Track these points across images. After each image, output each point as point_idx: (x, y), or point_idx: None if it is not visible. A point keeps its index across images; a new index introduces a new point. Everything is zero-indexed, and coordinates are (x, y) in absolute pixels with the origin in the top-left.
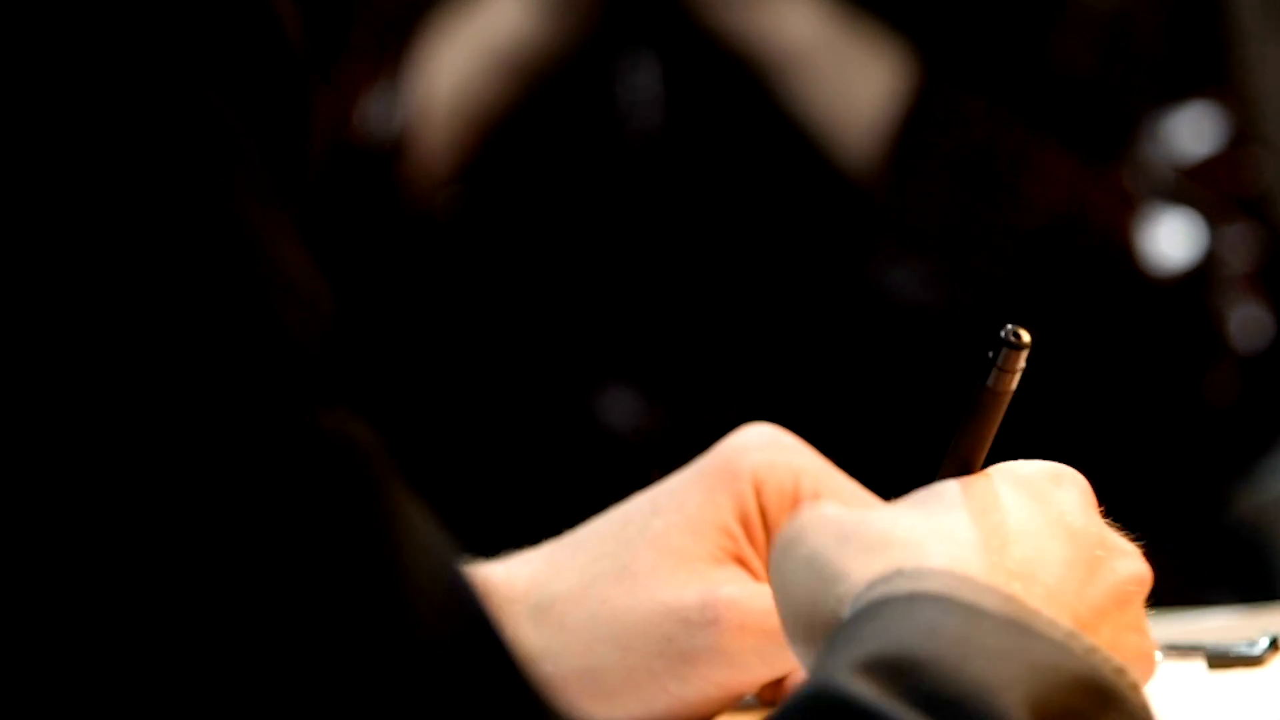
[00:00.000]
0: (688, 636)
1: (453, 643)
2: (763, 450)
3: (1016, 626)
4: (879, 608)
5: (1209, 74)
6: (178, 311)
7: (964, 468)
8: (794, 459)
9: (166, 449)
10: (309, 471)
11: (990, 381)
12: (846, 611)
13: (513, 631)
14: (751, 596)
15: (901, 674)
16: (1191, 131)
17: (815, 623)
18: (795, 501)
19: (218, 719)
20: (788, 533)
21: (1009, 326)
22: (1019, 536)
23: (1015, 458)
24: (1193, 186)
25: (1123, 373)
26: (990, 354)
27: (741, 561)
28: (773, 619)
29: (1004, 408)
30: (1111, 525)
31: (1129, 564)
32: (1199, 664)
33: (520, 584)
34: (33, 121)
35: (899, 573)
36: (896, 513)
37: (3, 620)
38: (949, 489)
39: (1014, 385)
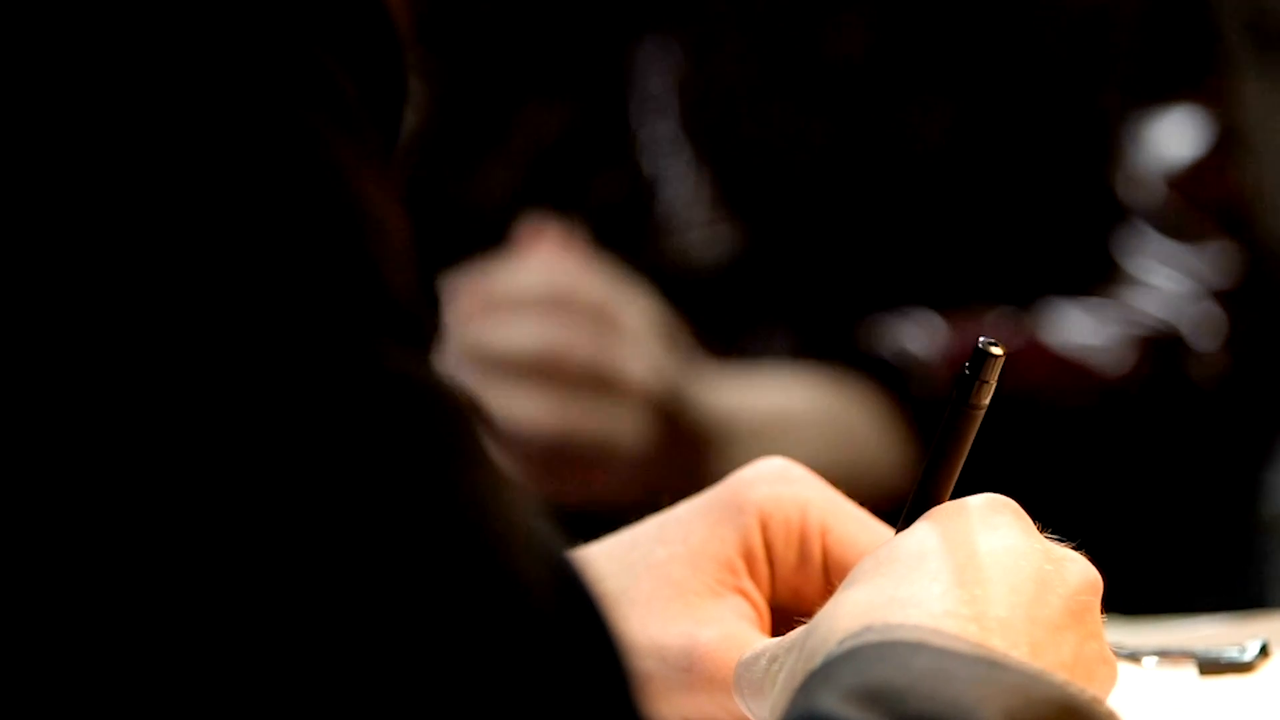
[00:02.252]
0: (663, 675)
1: (536, 593)
2: (770, 484)
3: (987, 661)
4: (851, 654)
5: (1191, 79)
6: (269, 249)
7: (937, 490)
8: (801, 492)
9: (241, 382)
10: (385, 409)
11: (971, 397)
12: (818, 664)
13: None
14: (728, 648)
15: (882, 700)
16: (1174, 137)
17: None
18: (802, 535)
19: (285, 674)
20: (771, 670)
21: (983, 339)
22: (961, 577)
23: (1014, 466)
24: (1176, 196)
25: (1121, 382)
26: (967, 368)
27: (742, 593)
28: None
29: (978, 424)
30: (1052, 538)
31: (1078, 572)
32: (1190, 670)
33: None
34: (148, 71)
35: (868, 629)
36: (843, 599)
37: (65, 568)
38: (892, 551)
39: (988, 399)
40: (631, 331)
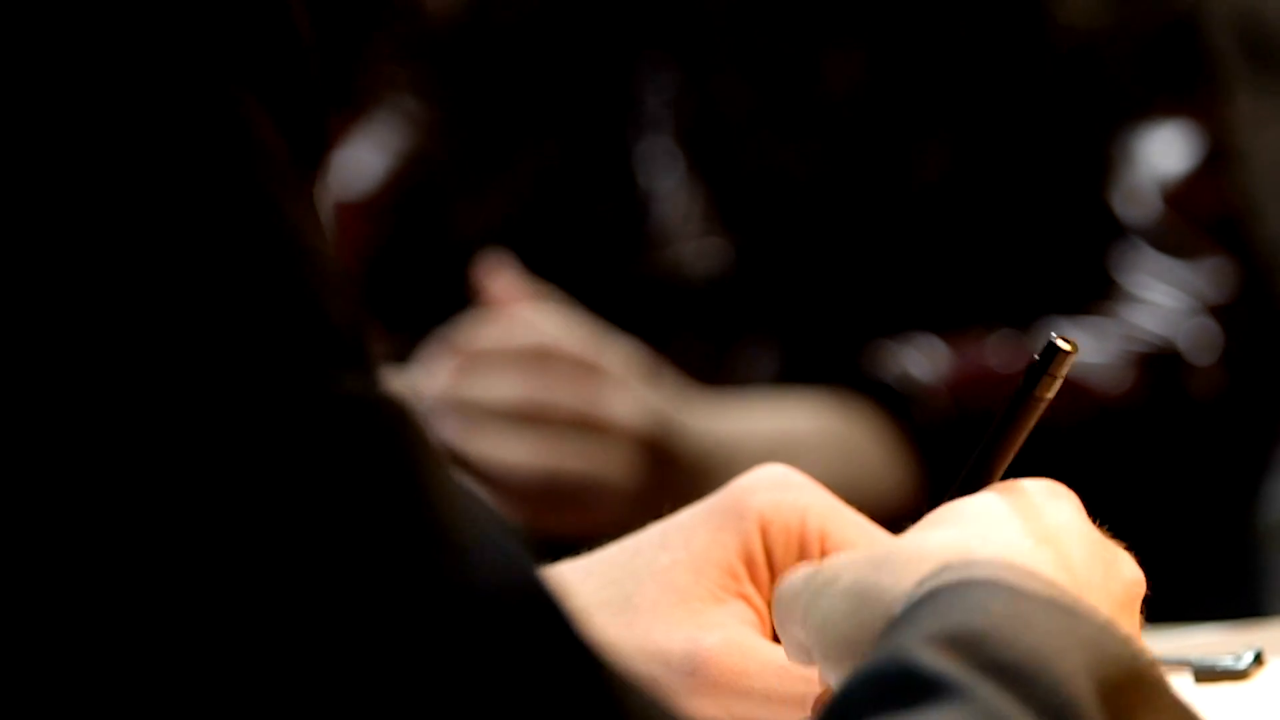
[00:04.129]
0: (668, 679)
1: (500, 596)
2: (770, 490)
3: (1061, 608)
4: (931, 596)
5: (1184, 95)
6: (209, 287)
7: (989, 472)
8: (801, 498)
9: (196, 417)
10: (339, 433)
11: (1036, 388)
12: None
13: None
14: (732, 653)
15: (963, 645)
16: (1168, 153)
17: (864, 641)
18: (801, 540)
19: (240, 695)
20: (822, 575)
21: (1054, 334)
22: (1045, 535)
23: (1018, 472)
24: (1171, 212)
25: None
26: (1037, 359)
27: (744, 598)
28: (746, 680)
29: (1039, 414)
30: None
31: (1131, 568)
32: (1186, 678)
33: None
34: (71, 118)
35: (946, 567)
36: (922, 535)
37: (12, 597)
38: (959, 509)
39: (1053, 393)
40: (613, 375)
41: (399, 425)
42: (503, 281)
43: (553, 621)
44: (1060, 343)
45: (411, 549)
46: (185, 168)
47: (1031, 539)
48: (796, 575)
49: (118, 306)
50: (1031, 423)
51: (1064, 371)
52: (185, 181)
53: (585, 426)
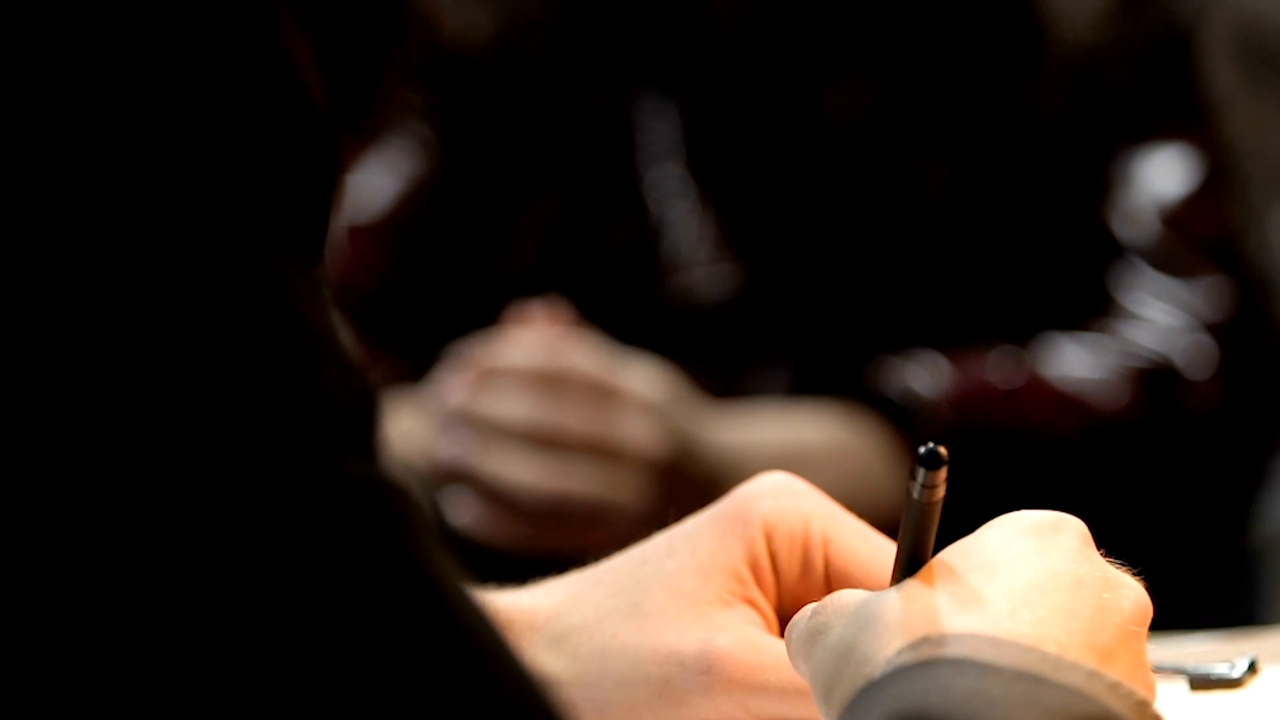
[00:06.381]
0: (683, 680)
1: (474, 691)
2: (774, 497)
3: (1028, 678)
4: (899, 674)
5: (1182, 118)
6: (213, 363)
7: (912, 568)
8: (804, 505)
9: (197, 491)
10: (334, 514)
11: (919, 496)
12: (877, 677)
13: (531, 658)
14: (745, 650)
15: None
16: (1166, 175)
17: (843, 699)
18: (805, 546)
19: None
20: (818, 618)
21: (929, 445)
22: (1028, 597)
23: (1016, 494)
24: (1169, 232)
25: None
26: (912, 474)
27: (751, 603)
28: (762, 675)
29: (938, 513)
30: (1112, 562)
31: (1132, 601)
32: (1181, 686)
33: (542, 613)
34: (77, 189)
35: (925, 640)
36: (911, 591)
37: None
38: (956, 554)
39: (942, 495)
40: (632, 399)
41: (398, 509)
42: (520, 308)
43: (540, 706)
44: (930, 456)
45: (407, 629)
46: (192, 249)
47: (1018, 598)
48: (802, 614)
49: (123, 385)
50: (935, 519)
51: (942, 480)
52: (192, 263)
53: (597, 451)
